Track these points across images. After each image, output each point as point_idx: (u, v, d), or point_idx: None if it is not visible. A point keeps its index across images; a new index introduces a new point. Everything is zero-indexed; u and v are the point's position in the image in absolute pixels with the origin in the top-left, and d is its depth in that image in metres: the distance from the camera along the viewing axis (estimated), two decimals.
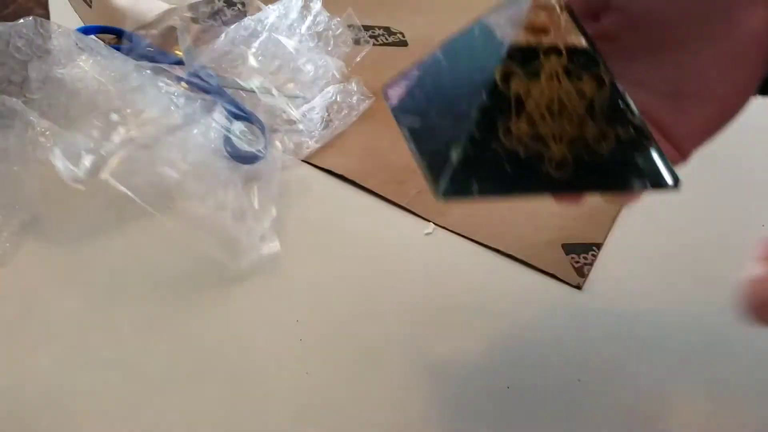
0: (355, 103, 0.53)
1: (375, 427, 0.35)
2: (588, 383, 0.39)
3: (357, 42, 0.59)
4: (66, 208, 0.42)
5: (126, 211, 0.43)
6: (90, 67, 0.41)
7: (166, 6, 0.55)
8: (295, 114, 0.51)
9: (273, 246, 0.42)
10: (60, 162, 0.38)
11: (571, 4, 0.29)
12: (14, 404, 0.33)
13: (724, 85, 0.30)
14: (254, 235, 0.41)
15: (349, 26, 0.58)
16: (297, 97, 0.52)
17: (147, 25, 0.54)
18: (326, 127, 0.52)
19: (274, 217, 0.43)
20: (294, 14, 0.54)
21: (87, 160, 0.39)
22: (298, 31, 0.54)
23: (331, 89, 0.53)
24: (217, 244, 0.40)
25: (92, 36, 0.50)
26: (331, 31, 0.56)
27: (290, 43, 0.53)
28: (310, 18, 0.55)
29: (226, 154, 0.46)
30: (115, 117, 0.41)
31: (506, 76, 0.26)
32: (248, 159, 0.47)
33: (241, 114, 0.48)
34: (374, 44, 0.61)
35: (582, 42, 0.27)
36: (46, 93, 0.40)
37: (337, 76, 0.54)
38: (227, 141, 0.46)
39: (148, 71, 0.47)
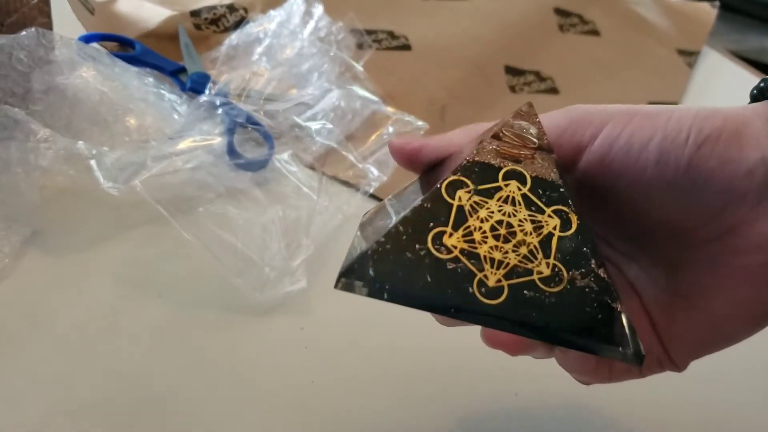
0: (358, 107, 0.53)
1: None
2: (597, 391, 0.38)
3: (360, 46, 0.59)
4: (68, 217, 0.42)
5: (129, 220, 0.43)
6: (92, 77, 0.41)
7: (168, 13, 0.55)
8: (298, 119, 0.51)
9: (300, 284, 0.41)
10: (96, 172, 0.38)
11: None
12: (20, 415, 0.33)
13: (722, 300, 0.25)
14: (281, 270, 0.40)
15: (352, 31, 0.58)
16: (300, 102, 0.52)
17: (149, 32, 0.54)
18: (330, 132, 0.51)
19: (310, 254, 0.42)
20: (296, 20, 0.54)
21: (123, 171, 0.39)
22: (300, 36, 0.54)
23: (334, 94, 0.53)
24: (235, 268, 0.39)
25: (94, 44, 0.50)
26: (333, 36, 0.55)
27: (293, 49, 0.53)
28: (312, 23, 0.55)
29: (229, 161, 0.45)
30: (117, 126, 0.41)
31: (453, 185, 0.24)
32: (253, 166, 0.46)
33: (244, 121, 0.48)
34: (377, 48, 0.61)
35: (554, 177, 0.25)
36: (49, 104, 0.40)
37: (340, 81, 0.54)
38: (231, 148, 0.46)
39: (151, 79, 0.47)
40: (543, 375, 0.39)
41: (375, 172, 0.49)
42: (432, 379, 0.38)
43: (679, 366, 0.27)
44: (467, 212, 0.24)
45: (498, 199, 0.24)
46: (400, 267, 0.23)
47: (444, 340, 0.40)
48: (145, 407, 0.34)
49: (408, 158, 0.28)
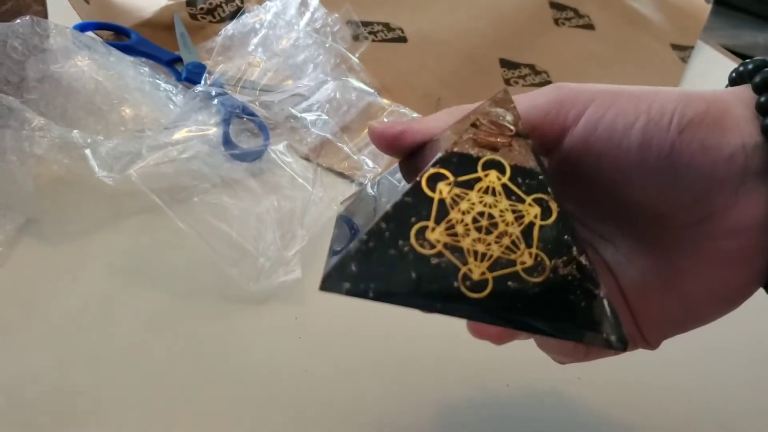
0: (354, 99, 0.53)
1: (373, 424, 0.35)
2: (587, 381, 0.39)
3: (356, 38, 0.59)
4: (63, 206, 0.42)
5: (124, 209, 0.43)
6: (87, 65, 0.41)
7: (164, 2, 0.55)
8: (293, 110, 0.51)
9: (294, 274, 0.41)
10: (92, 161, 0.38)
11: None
12: (15, 403, 0.33)
13: (697, 284, 0.25)
14: (275, 260, 0.40)
15: (348, 22, 0.58)
16: (296, 93, 0.52)
17: (145, 22, 0.54)
18: (326, 123, 0.51)
19: (304, 244, 0.42)
20: (292, 10, 0.54)
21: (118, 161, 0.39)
22: (296, 27, 0.54)
23: (330, 86, 0.53)
24: (230, 258, 0.39)
25: (90, 33, 0.50)
26: (329, 27, 0.55)
27: (288, 40, 0.53)
28: (308, 14, 0.55)
29: (225, 151, 0.45)
30: (112, 116, 0.41)
31: (434, 178, 0.24)
32: (248, 156, 0.47)
33: (239, 111, 0.48)
34: (373, 40, 0.61)
35: (532, 164, 0.24)
36: (44, 92, 0.40)
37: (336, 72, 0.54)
38: (226, 138, 0.46)
39: (146, 68, 0.47)
40: (534, 366, 0.39)
41: (370, 163, 0.50)
42: (425, 368, 0.39)
43: (651, 345, 0.27)
44: (449, 205, 0.23)
45: (478, 191, 0.24)
46: (384, 265, 0.22)
47: (436, 330, 0.40)
48: (138, 396, 0.34)
49: (389, 143, 0.27)
